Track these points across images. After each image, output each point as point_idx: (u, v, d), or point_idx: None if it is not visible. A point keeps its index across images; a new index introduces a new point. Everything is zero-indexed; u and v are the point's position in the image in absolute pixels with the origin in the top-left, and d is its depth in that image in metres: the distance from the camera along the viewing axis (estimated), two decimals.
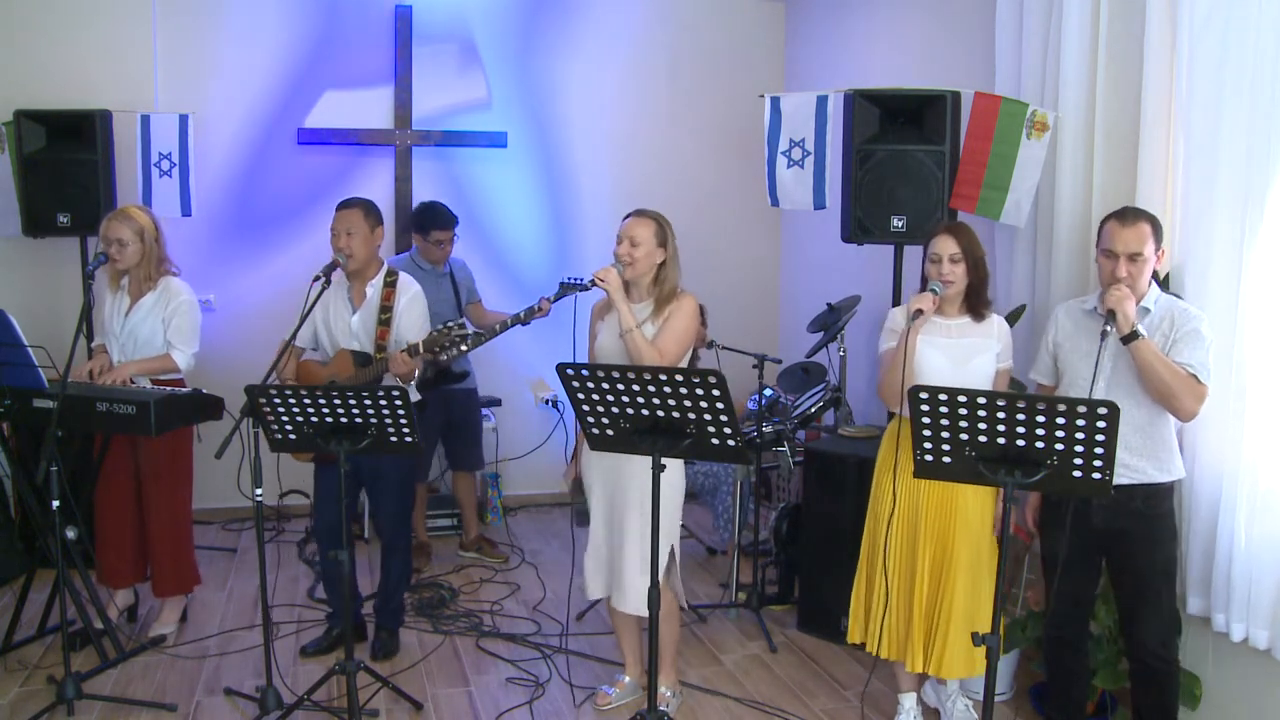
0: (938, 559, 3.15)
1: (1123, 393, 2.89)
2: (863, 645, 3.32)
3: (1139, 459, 2.93)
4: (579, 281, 3.75)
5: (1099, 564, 3.09)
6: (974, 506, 3.13)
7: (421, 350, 3.52)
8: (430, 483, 5.45)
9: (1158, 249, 2.93)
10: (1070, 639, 3.15)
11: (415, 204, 5.61)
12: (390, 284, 3.77)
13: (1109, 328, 2.83)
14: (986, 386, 3.13)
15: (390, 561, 3.93)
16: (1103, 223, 3.00)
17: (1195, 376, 2.82)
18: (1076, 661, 3.18)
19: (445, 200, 5.01)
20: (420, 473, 5.04)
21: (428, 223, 4.77)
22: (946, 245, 3.13)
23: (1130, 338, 2.81)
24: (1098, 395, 2.91)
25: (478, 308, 5.07)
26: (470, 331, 3.55)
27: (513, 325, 3.74)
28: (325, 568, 3.92)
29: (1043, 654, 3.31)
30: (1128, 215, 2.93)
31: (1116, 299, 2.83)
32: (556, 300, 3.79)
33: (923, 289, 3.19)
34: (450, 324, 3.53)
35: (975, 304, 3.18)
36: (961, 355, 3.13)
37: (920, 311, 3.02)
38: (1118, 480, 2.86)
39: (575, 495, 3.56)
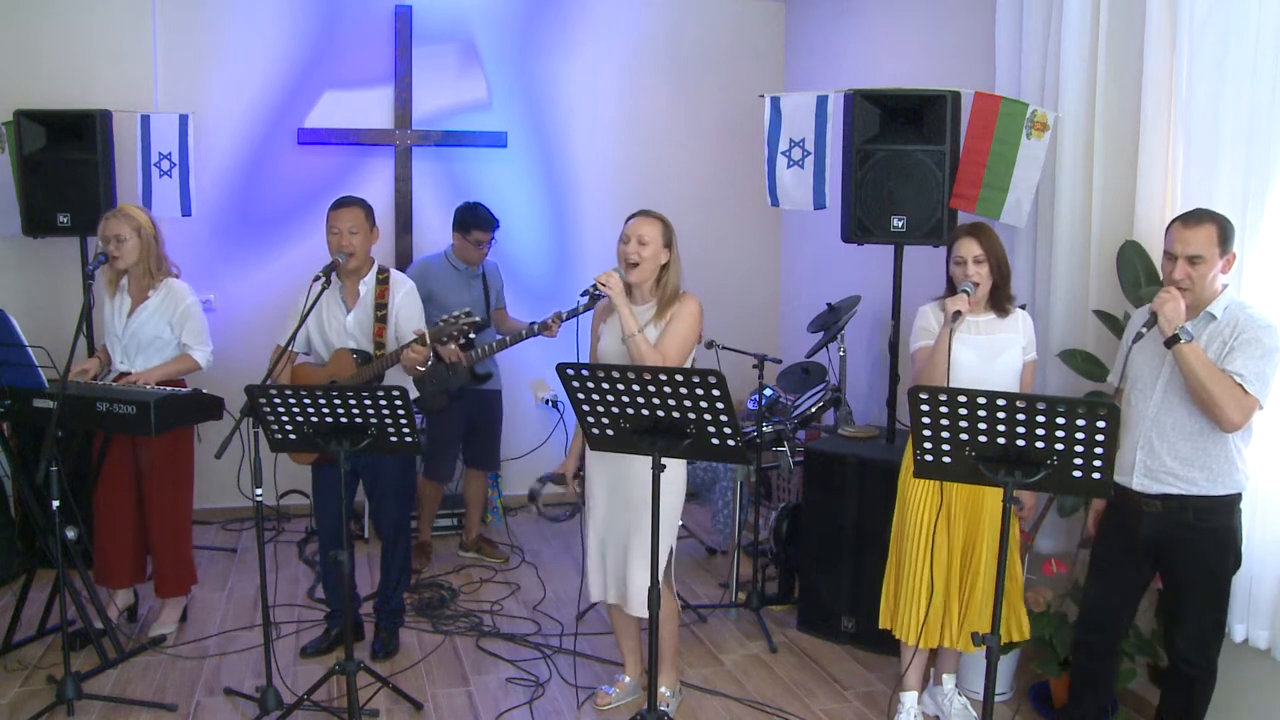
0: (966, 544, 3.23)
1: (1179, 399, 2.82)
2: (890, 631, 3.40)
3: (1189, 469, 2.82)
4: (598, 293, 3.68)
5: (1147, 573, 3.01)
6: (999, 501, 3.15)
7: (429, 340, 3.51)
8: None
9: (1225, 252, 2.78)
10: (1101, 645, 3.10)
11: (415, 203, 5.63)
12: (383, 281, 3.78)
13: (1144, 329, 2.78)
14: (1014, 381, 3.21)
15: (390, 562, 3.93)
16: (1169, 225, 2.88)
17: (1242, 386, 2.70)
18: (1104, 666, 3.13)
19: (446, 200, 5.03)
20: (443, 473, 5.04)
21: (470, 223, 4.78)
22: (970, 248, 3.17)
23: (1171, 341, 2.73)
24: (1154, 400, 2.87)
25: (501, 313, 5.10)
26: (477, 319, 3.53)
27: (527, 337, 3.72)
28: (324, 568, 3.92)
29: (1073, 655, 3.27)
30: (1192, 216, 2.82)
31: (1160, 301, 2.75)
32: (569, 318, 3.59)
33: (949, 291, 3.24)
34: (455, 314, 3.51)
35: (1000, 300, 3.24)
36: (990, 351, 3.19)
37: (959, 313, 3.05)
38: (1167, 490, 2.83)
39: (574, 488, 3.54)
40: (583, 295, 3.30)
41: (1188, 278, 2.77)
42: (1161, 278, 2.91)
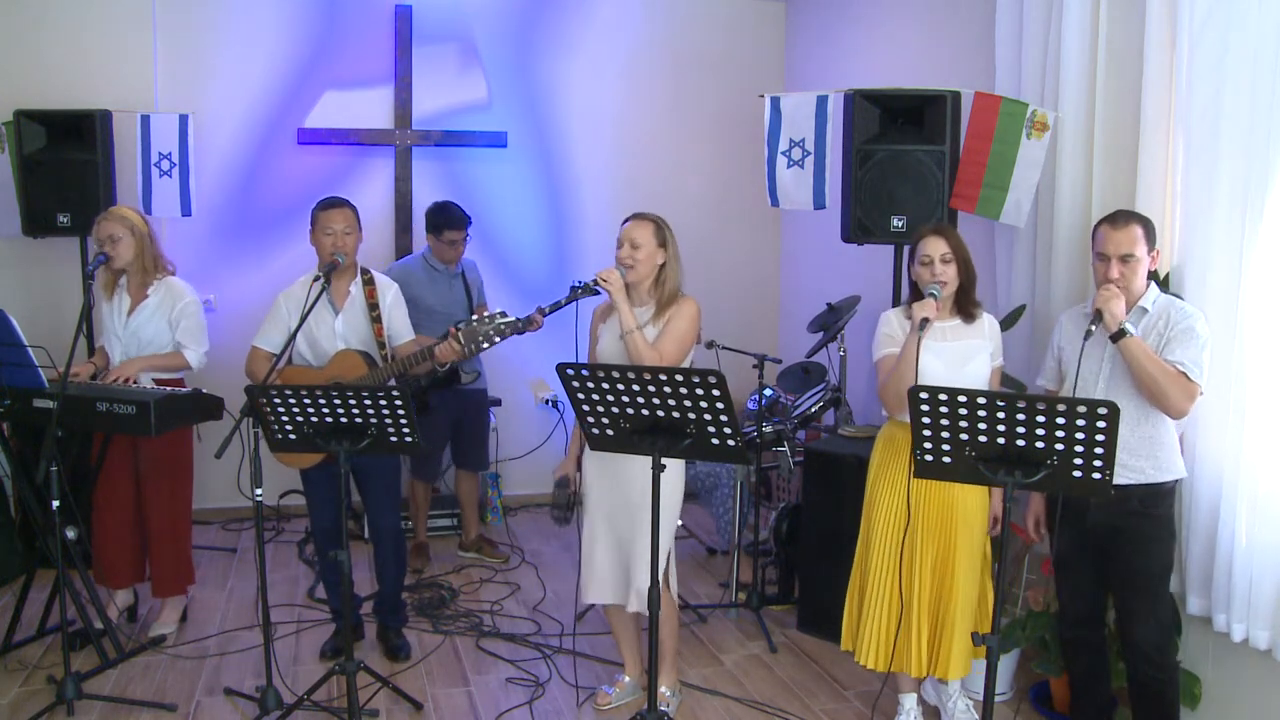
0: (939, 561, 3.15)
1: (1121, 393, 2.90)
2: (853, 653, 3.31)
3: (1137, 459, 2.93)
4: (587, 284, 3.69)
5: (1101, 564, 3.08)
6: (973, 507, 3.13)
7: (464, 339, 3.51)
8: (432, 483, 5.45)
9: (1151, 250, 2.94)
10: (1086, 639, 3.16)
11: (415, 203, 5.63)
12: (369, 282, 3.80)
13: (1093, 327, 2.86)
14: (982, 388, 3.14)
15: (387, 561, 3.93)
16: (1095, 227, 3.02)
17: (1185, 374, 2.83)
18: (1096, 662, 3.17)
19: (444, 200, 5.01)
20: (429, 473, 5.04)
21: (441, 223, 4.78)
22: (936, 246, 3.13)
23: (1118, 336, 2.84)
24: (1096, 395, 2.92)
25: (481, 310, 5.07)
26: (513, 319, 3.52)
27: (510, 334, 3.68)
28: (324, 568, 3.92)
29: (1061, 655, 3.31)
30: (1119, 218, 2.95)
31: (1104, 299, 2.86)
32: (551, 311, 3.59)
33: (913, 294, 3.19)
34: (491, 313, 3.50)
35: (965, 304, 3.18)
36: (957, 359, 3.13)
37: (926, 320, 3.00)
38: (1116, 480, 2.88)
39: (555, 493, 3.55)
40: (576, 287, 3.29)
41: (1123, 276, 2.91)
42: (1094, 278, 3.02)
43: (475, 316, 3.53)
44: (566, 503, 3.50)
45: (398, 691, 3.56)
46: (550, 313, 3.45)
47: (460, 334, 3.50)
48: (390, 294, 3.83)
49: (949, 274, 3.10)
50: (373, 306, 3.76)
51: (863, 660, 3.24)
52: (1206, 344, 2.88)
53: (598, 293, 3.28)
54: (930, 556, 3.15)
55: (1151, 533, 2.96)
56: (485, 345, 3.50)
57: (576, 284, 3.31)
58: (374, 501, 3.88)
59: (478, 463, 5.15)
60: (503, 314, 3.51)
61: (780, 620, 4.33)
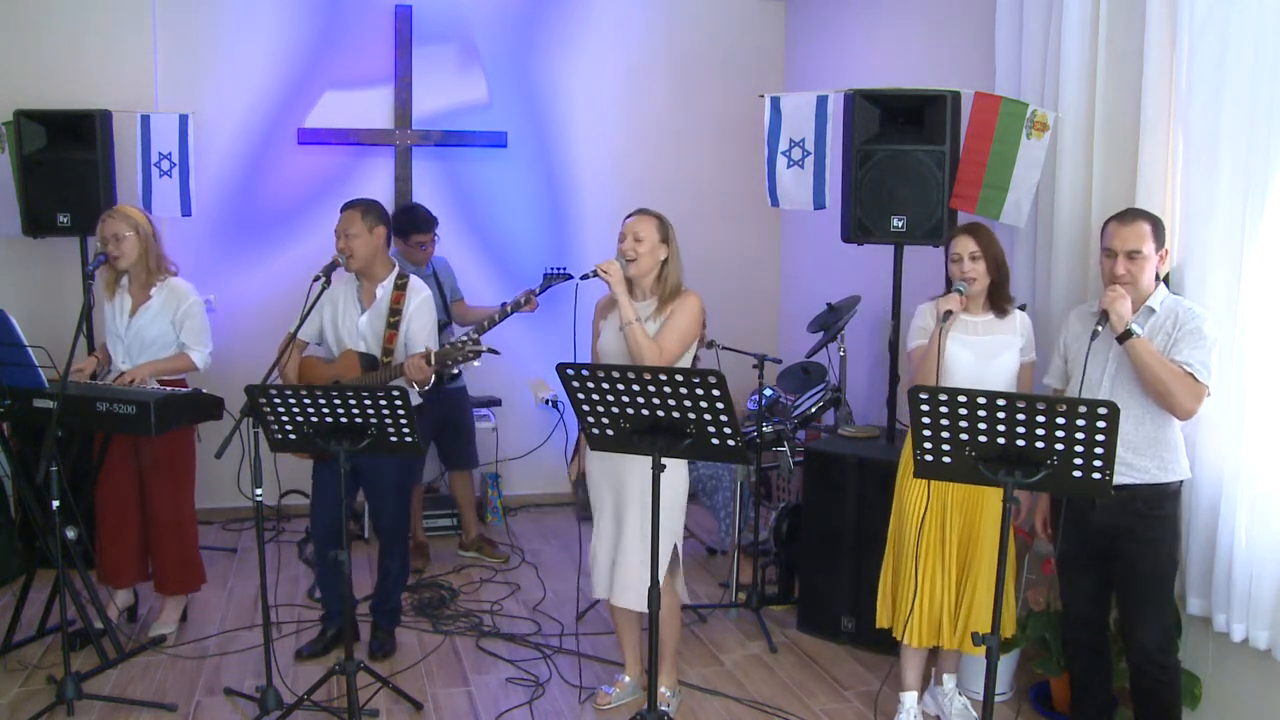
0: (965, 546, 3.23)
1: (1125, 392, 2.90)
2: (889, 631, 3.40)
3: (1142, 458, 2.93)
4: (562, 271, 3.76)
5: (1105, 564, 3.08)
6: (998, 500, 3.15)
7: (433, 362, 3.52)
8: (429, 483, 5.45)
9: (1159, 248, 2.94)
10: (1089, 639, 3.17)
11: (419, 202, 5.63)
12: (400, 287, 3.79)
13: (1100, 327, 2.87)
14: (1011, 382, 3.23)
15: (388, 562, 3.93)
16: (1105, 224, 3.03)
17: (1193, 375, 2.83)
18: (1097, 662, 3.18)
19: (445, 200, 5.02)
20: (418, 475, 5.04)
21: (408, 226, 4.76)
22: (965, 244, 3.21)
23: (1124, 337, 2.84)
24: (1101, 395, 2.92)
25: (460, 305, 5.07)
26: (484, 348, 3.54)
27: (500, 320, 3.72)
28: (321, 568, 3.92)
29: (1062, 654, 3.34)
30: (1127, 215, 2.97)
31: (1110, 299, 2.87)
32: (542, 292, 3.76)
33: (948, 290, 3.26)
34: (464, 339, 3.53)
35: (998, 300, 3.26)
36: (987, 352, 3.21)
37: (949, 313, 3.11)
38: (1120, 480, 2.88)
39: (577, 492, 3.58)
40: (549, 273, 3.32)
41: (1129, 273, 2.91)
42: (1102, 276, 3.02)
43: (454, 341, 3.56)
44: (587, 501, 3.51)
45: (398, 691, 3.56)
46: (540, 293, 3.50)
47: (433, 355, 3.52)
48: (416, 300, 3.77)
49: (977, 270, 3.20)
50: (394, 312, 3.75)
51: (902, 637, 3.32)
52: (1215, 345, 2.87)
53: (570, 277, 3.28)
54: (956, 537, 3.23)
55: (1156, 534, 2.96)
56: (454, 369, 3.53)
57: (549, 270, 3.33)
58: (384, 502, 3.88)
59: (466, 461, 5.12)
60: (474, 340, 3.53)
61: (780, 620, 4.33)
